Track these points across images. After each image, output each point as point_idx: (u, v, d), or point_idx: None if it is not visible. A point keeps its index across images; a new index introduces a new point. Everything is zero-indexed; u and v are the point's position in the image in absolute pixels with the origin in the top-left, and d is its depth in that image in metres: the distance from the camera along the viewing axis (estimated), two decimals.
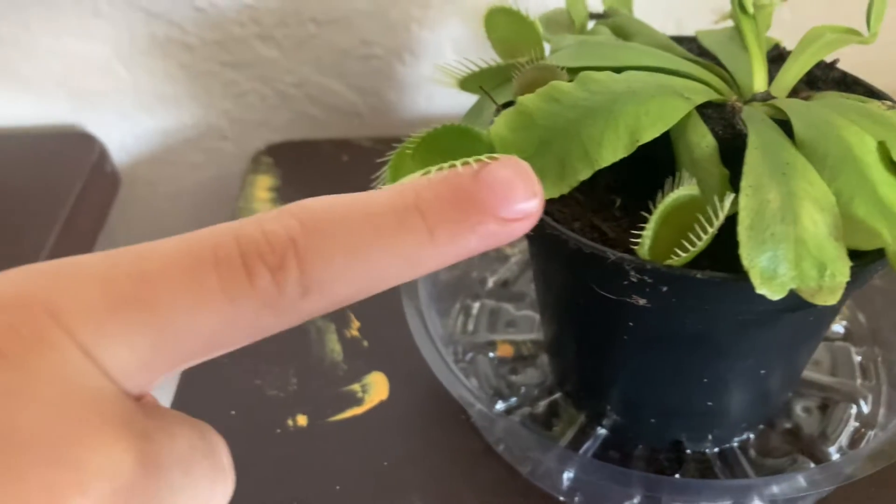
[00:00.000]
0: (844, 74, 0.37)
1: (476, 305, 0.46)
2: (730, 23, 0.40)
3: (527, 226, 0.22)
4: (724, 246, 0.27)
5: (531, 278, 0.48)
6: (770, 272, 0.27)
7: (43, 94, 0.63)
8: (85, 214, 0.59)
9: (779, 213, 0.27)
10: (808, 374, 0.41)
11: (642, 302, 0.30)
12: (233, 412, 0.42)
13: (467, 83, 0.39)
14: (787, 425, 0.40)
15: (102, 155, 0.62)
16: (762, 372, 0.34)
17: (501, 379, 0.42)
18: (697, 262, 0.28)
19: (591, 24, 0.41)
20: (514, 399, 0.41)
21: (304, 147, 0.61)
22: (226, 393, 0.43)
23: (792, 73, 0.35)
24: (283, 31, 0.60)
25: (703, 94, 0.32)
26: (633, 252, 0.28)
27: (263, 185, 0.58)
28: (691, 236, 0.27)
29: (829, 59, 0.37)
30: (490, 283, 0.48)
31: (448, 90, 0.38)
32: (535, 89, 0.33)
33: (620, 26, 0.39)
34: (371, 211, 0.21)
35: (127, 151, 0.66)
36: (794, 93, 0.35)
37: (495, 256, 0.49)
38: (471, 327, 0.45)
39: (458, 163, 0.22)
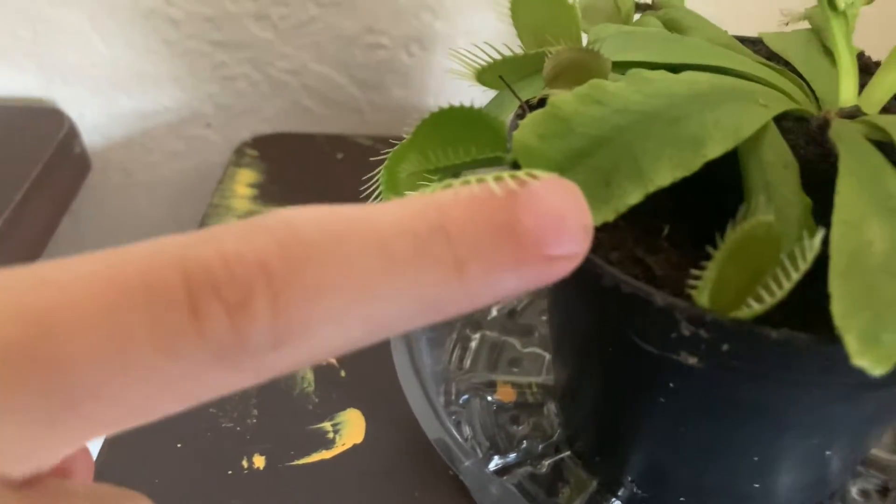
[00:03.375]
0: None
1: (476, 337, 0.40)
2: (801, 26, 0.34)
3: (571, 266, 0.17)
4: (801, 297, 0.21)
5: (542, 309, 0.41)
6: (871, 338, 0.20)
7: (9, 63, 0.56)
8: (46, 197, 0.52)
9: (884, 259, 0.21)
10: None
11: (692, 361, 0.23)
12: (179, 444, 0.36)
13: (486, 75, 0.32)
14: None
15: (71, 133, 0.56)
16: (827, 453, 0.27)
17: (500, 429, 0.36)
18: (767, 315, 0.21)
19: (637, 17, 0.34)
20: (513, 455, 0.34)
21: (294, 140, 0.55)
22: (173, 420, 0.36)
23: (885, 86, 0.28)
24: (280, 10, 0.53)
25: (781, 104, 0.26)
26: (687, 297, 0.22)
27: (244, 181, 0.51)
28: (768, 282, 0.21)
29: None
30: (494, 311, 0.41)
31: (460, 88, 0.32)
32: (571, 77, 0.27)
33: (673, 19, 0.32)
34: (381, 231, 0.15)
35: (101, 133, 0.60)
36: (885, 111, 0.28)
37: None
38: (468, 363, 0.39)
39: (489, 177, 0.17)
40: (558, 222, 0.16)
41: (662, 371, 0.25)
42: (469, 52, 0.31)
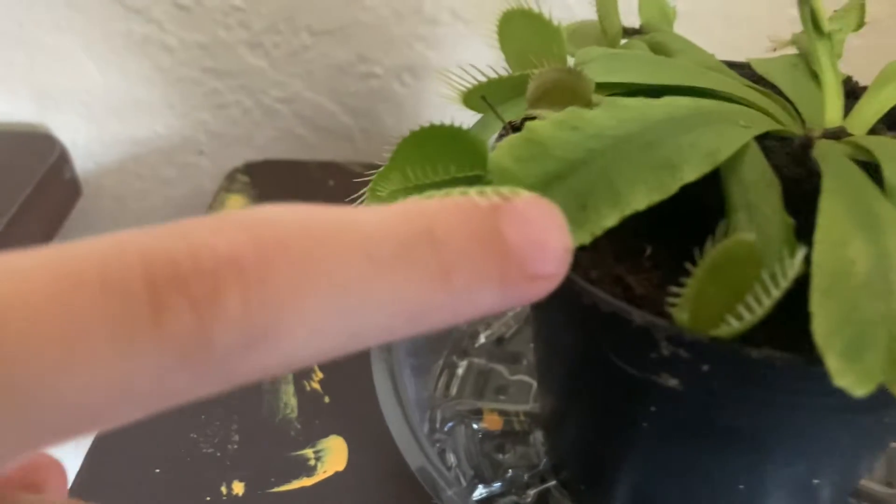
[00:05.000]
0: None
1: (463, 364, 0.39)
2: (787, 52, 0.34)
3: (550, 287, 0.16)
4: (785, 318, 0.21)
5: (531, 337, 0.41)
6: (853, 356, 0.19)
7: (3, 89, 0.56)
8: (34, 221, 0.52)
9: (866, 278, 0.21)
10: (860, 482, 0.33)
11: (673, 382, 0.23)
12: (157, 470, 0.35)
13: (472, 97, 0.32)
14: None
15: (62, 158, 0.56)
16: (815, 482, 0.26)
17: (485, 457, 0.35)
18: (750, 335, 0.21)
19: (623, 42, 0.34)
20: (497, 484, 0.34)
21: (286, 167, 0.55)
22: (151, 445, 0.36)
23: (872, 109, 0.28)
24: (273, 38, 0.54)
25: (763, 124, 0.26)
26: (667, 316, 0.21)
27: (235, 206, 0.51)
28: (749, 301, 0.20)
29: None
30: (482, 338, 0.40)
31: (453, 116, 0.32)
32: (554, 98, 0.27)
33: (660, 43, 0.32)
34: (365, 233, 0.14)
35: (94, 160, 0.60)
36: (872, 133, 0.28)
37: None
38: (454, 390, 0.38)
39: (471, 190, 0.16)
40: (541, 241, 0.16)
41: (643, 394, 0.24)
42: (458, 75, 0.31)
